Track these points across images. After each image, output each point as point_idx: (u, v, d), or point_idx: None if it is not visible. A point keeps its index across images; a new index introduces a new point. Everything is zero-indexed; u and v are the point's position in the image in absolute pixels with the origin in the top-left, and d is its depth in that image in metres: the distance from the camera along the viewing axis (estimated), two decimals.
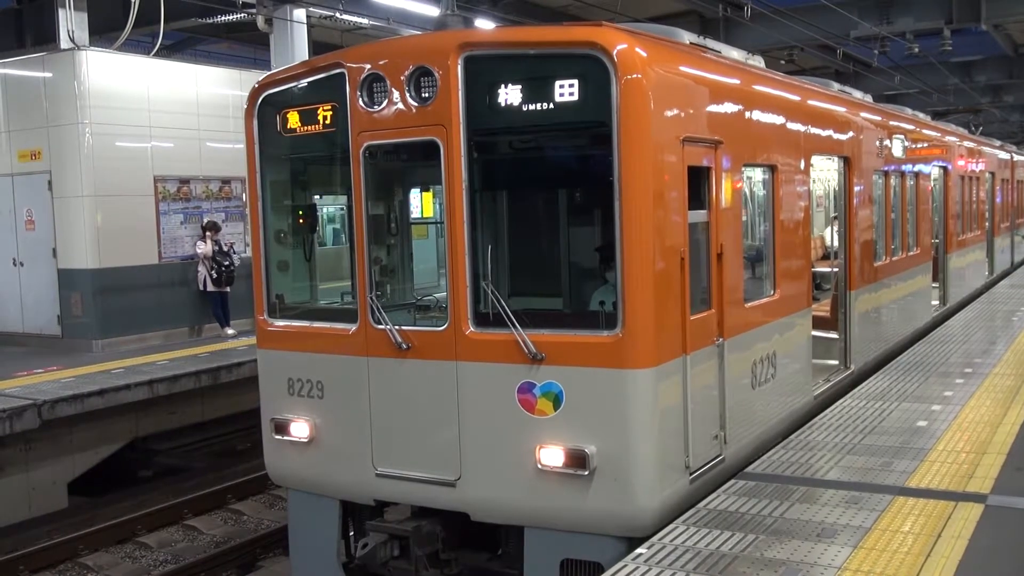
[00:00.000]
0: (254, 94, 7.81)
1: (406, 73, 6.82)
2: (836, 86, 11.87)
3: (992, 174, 21.77)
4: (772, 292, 8.39)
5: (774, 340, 8.31)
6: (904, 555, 5.62)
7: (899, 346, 12.62)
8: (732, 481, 7.15)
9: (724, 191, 7.29)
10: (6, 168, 16.07)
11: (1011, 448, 7.75)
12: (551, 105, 6.38)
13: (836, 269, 10.81)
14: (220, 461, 13.89)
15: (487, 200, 7.34)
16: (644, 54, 6.34)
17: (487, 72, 6.59)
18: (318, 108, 7.42)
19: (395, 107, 6.92)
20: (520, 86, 6.45)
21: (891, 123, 12.81)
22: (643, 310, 6.26)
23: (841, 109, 10.78)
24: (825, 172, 12.81)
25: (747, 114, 7.96)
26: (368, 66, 7.03)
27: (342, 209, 8.98)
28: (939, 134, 16.47)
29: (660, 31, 7.63)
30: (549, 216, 8.04)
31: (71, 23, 15.73)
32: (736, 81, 8.12)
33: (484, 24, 18.76)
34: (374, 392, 7.18)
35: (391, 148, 7.31)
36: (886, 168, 12.20)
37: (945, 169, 16.24)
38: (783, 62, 23.14)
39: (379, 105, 6.99)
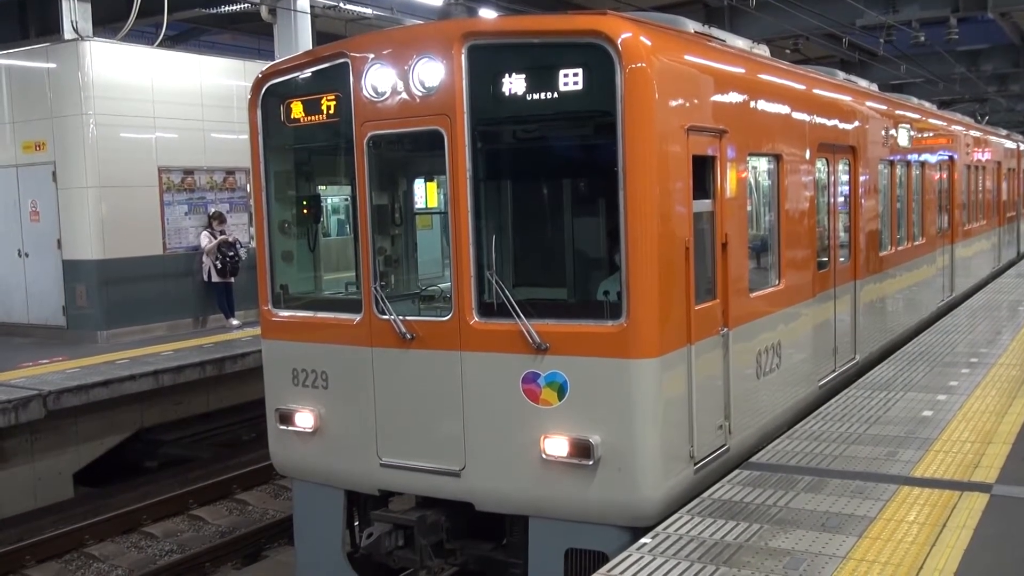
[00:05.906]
0: (258, 84, 7.79)
1: (410, 63, 6.80)
2: (842, 75, 11.82)
3: (998, 163, 21.71)
4: (777, 282, 8.37)
5: (779, 330, 8.29)
6: (909, 544, 5.61)
7: (905, 336, 12.59)
8: (737, 471, 7.14)
9: (729, 180, 7.26)
10: (10, 159, 16.07)
11: (1016, 438, 7.73)
12: (555, 94, 6.36)
13: None
14: (225, 451, 13.91)
15: (491, 190, 7.32)
16: (648, 43, 6.31)
17: (491, 61, 6.57)
18: (322, 98, 7.40)
19: (399, 97, 6.90)
20: (524, 75, 6.43)
21: (897, 112, 12.75)
22: (647, 300, 6.24)
23: (847, 98, 10.72)
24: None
25: (752, 103, 7.93)
26: (372, 55, 7.01)
27: (346, 199, 8.95)
28: (945, 123, 16.40)
29: (664, 20, 7.59)
30: (553, 206, 8.01)
31: (75, 14, 15.67)
32: (741, 70, 8.09)
33: (488, 13, 18.70)
34: (378, 382, 7.18)
35: (395, 138, 7.29)
36: (892, 157, 12.15)
37: (951, 159, 16.18)
38: (788, 51, 23.00)
39: (383, 95, 6.98)
